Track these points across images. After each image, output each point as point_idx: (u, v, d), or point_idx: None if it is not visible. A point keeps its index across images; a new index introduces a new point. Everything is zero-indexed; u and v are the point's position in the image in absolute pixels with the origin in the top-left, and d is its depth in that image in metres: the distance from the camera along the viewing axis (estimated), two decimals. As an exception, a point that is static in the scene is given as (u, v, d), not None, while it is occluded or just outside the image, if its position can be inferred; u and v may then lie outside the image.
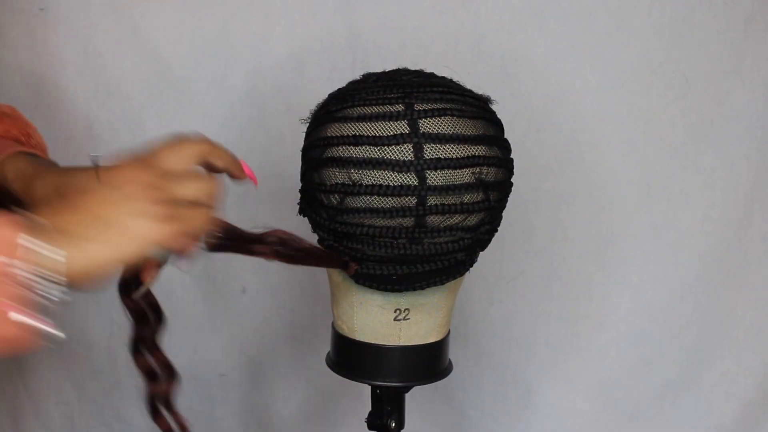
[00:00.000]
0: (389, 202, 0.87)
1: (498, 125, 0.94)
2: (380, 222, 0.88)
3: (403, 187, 0.87)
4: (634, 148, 1.40)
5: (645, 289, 1.44)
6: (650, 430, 1.48)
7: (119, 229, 0.64)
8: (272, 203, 1.30)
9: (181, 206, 0.67)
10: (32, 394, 1.55)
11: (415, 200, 0.87)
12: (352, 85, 0.94)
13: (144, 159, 0.69)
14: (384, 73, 0.95)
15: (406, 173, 0.87)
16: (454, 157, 0.87)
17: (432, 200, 0.87)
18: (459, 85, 0.94)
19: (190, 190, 0.69)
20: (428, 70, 0.97)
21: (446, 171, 0.87)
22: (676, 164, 1.40)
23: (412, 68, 0.96)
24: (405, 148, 0.87)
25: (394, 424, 1.01)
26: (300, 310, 1.49)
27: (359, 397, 1.37)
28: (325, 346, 1.03)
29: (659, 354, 1.46)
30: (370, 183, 0.88)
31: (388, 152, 0.87)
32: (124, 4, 1.37)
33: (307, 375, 1.50)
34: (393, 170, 0.87)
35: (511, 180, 0.95)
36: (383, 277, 0.91)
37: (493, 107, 0.94)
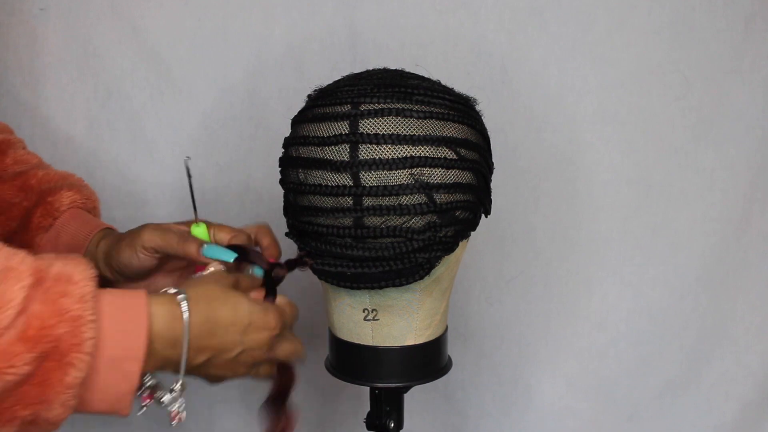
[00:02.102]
0: (329, 201, 0.88)
1: (467, 127, 0.91)
2: (324, 221, 0.89)
3: (339, 187, 0.87)
4: (634, 148, 1.39)
5: (645, 289, 1.44)
6: (650, 430, 1.48)
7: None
8: (272, 202, 1.30)
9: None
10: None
11: (351, 200, 0.87)
12: (327, 86, 0.95)
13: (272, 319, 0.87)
14: (356, 73, 0.95)
15: (342, 173, 0.87)
16: (390, 158, 0.86)
17: (368, 201, 0.87)
18: (428, 84, 0.92)
19: (285, 351, 0.89)
20: (428, 70, 0.96)
21: (381, 172, 0.86)
22: (676, 164, 1.40)
23: (412, 68, 0.96)
24: (342, 149, 0.87)
25: (393, 425, 1.01)
26: (299, 310, 1.48)
27: (359, 397, 1.37)
28: (325, 346, 1.03)
29: (659, 354, 1.46)
30: (312, 183, 0.89)
31: (327, 152, 0.88)
32: (123, 4, 1.36)
33: (307, 375, 1.49)
34: (330, 170, 0.87)
35: (477, 183, 0.92)
36: (338, 274, 0.91)
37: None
